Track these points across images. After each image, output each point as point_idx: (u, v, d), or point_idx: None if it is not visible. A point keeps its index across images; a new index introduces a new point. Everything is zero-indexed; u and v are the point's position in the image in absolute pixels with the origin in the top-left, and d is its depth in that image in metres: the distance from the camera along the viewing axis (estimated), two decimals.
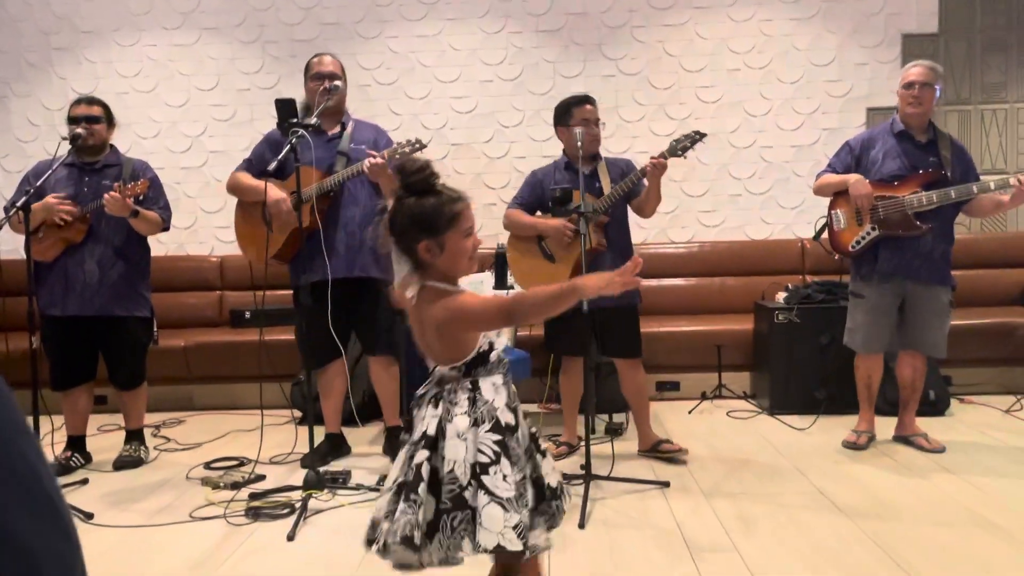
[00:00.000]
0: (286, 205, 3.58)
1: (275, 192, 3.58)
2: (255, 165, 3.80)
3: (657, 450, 3.69)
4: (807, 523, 2.88)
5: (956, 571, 2.46)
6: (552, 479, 1.94)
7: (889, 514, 2.94)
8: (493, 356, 1.89)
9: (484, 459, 1.79)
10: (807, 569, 2.51)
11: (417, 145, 3.51)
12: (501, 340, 1.93)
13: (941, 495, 3.13)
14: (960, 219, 5.52)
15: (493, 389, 1.87)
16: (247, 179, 3.77)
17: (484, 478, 1.76)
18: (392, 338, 3.85)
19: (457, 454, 1.79)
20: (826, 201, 3.87)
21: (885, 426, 3.93)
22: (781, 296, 4.71)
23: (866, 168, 3.73)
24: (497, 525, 1.74)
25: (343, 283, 3.65)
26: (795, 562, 2.55)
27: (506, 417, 1.84)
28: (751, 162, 5.62)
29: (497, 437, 1.81)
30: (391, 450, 3.84)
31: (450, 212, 1.86)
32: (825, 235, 3.85)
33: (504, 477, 1.78)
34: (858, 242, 3.72)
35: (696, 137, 3.45)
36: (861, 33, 5.54)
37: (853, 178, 3.68)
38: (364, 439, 4.22)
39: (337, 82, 3.71)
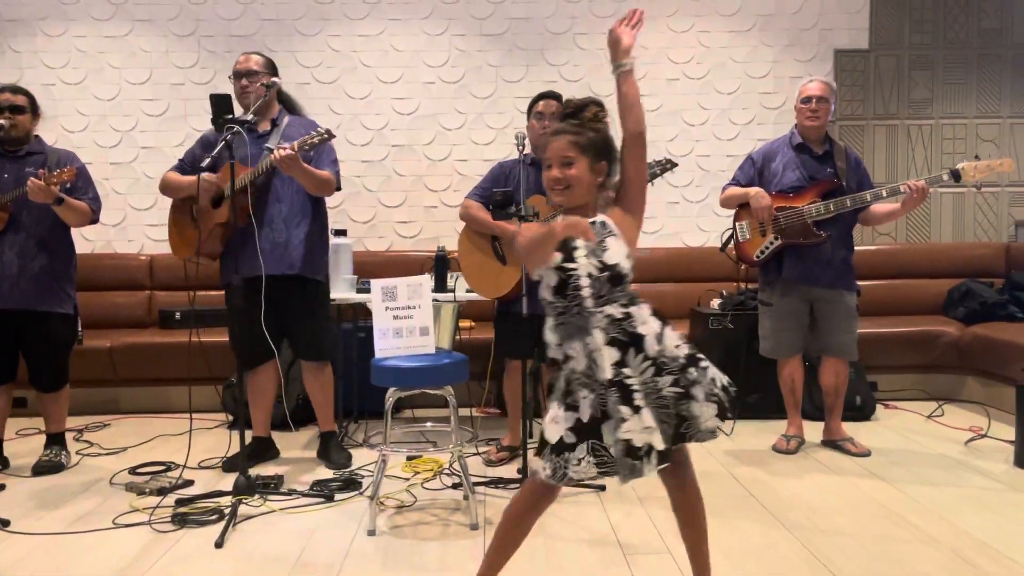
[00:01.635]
0: (214, 186, 3.51)
1: (205, 181, 3.48)
2: (187, 165, 3.74)
3: None
4: (737, 525, 2.93)
5: (879, 571, 2.53)
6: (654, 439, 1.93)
7: (816, 516, 3.01)
8: (544, 293, 2.06)
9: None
10: (736, 569, 2.55)
11: (326, 136, 3.45)
12: (548, 278, 2.01)
13: (866, 498, 3.22)
14: (886, 230, 5.74)
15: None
16: (178, 176, 3.72)
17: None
18: (324, 342, 3.79)
19: None
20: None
21: (814, 430, 4.03)
22: (716, 302, 4.79)
23: (768, 180, 3.86)
24: None
25: (272, 281, 3.55)
26: (725, 563, 2.59)
27: (554, 355, 2.08)
28: (688, 170, 5.70)
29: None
30: (326, 455, 3.78)
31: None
32: (731, 245, 3.96)
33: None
34: (762, 252, 3.83)
35: (667, 165, 3.46)
36: (796, 47, 5.68)
37: (753, 191, 3.80)
38: (298, 444, 4.14)
39: (276, 79, 3.65)
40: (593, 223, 1.98)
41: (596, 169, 2.03)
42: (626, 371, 1.93)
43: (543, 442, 1.99)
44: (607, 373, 1.92)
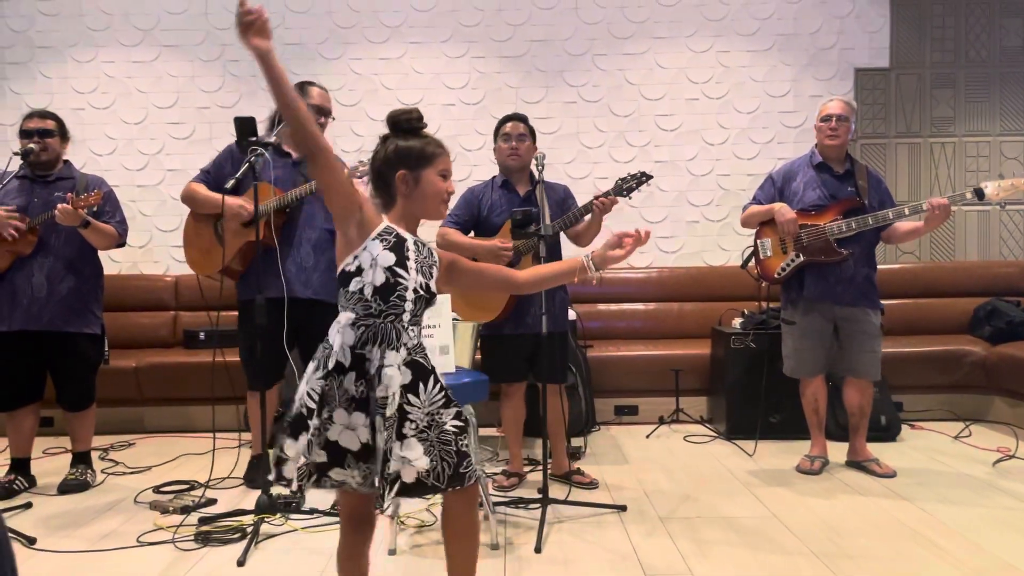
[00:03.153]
0: (246, 211, 3.56)
1: (234, 199, 3.57)
2: (212, 176, 3.77)
3: (569, 479, 3.68)
4: (760, 547, 2.90)
5: None
6: (405, 472, 1.81)
7: (841, 538, 2.97)
8: (353, 284, 1.89)
9: (310, 404, 1.86)
10: None
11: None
12: (375, 275, 1.88)
13: (891, 520, 3.17)
14: (910, 248, 5.70)
15: (337, 330, 1.90)
16: (204, 190, 3.74)
17: (310, 422, 1.85)
18: None
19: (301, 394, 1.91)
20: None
21: (838, 451, 3.98)
22: (737, 322, 4.77)
23: (788, 199, 3.86)
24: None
25: (292, 303, 3.60)
26: None
27: (340, 357, 1.86)
28: (709, 190, 5.71)
29: (322, 381, 1.86)
30: None
31: (430, 151, 1.99)
32: (752, 263, 3.94)
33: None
34: (783, 269, 3.81)
35: (642, 178, 3.48)
36: (815, 66, 5.68)
37: (777, 206, 3.80)
38: None
39: (323, 119, 3.74)
40: (424, 245, 1.99)
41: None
42: (411, 397, 1.85)
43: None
44: (387, 392, 1.83)
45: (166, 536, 3.06)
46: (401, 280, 1.89)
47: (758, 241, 3.92)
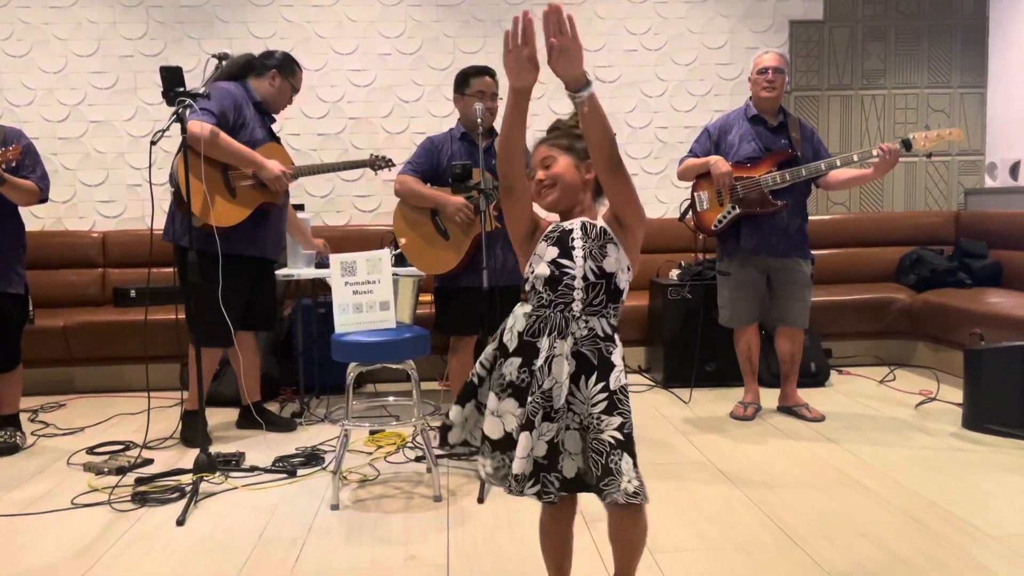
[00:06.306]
0: (281, 179, 3.66)
1: (275, 164, 3.64)
2: (219, 121, 3.52)
3: None
4: (695, 490, 2.99)
5: (832, 532, 2.61)
6: (565, 466, 1.86)
7: (772, 481, 3.08)
8: (528, 284, 1.91)
9: (480, 371, 1.94)
10: (696, 534, 2.61)
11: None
12: (541, 268, 1.87)
13: (820, 462, 3.30)
14: (840, 200, 5.83)
15: (515, 314, 1.92)
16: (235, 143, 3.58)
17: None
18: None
19: None
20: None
21: (770, 397, 4.11)
22: (675, 273, 4.84)
23: (724, 152, 3.92)
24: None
25: (256, 262, 3.76)
26: (685, 528, 2.65)
27: (507, 339, 1.89)
28: (647, 142, 5.73)
29: (493, 351, 1.92)
30: (271, 422, 3.92)
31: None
32: (690, 216, 4.01)
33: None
34: (720, 221, 3.88)
35: None
36: (751, 18, 5.71)
37: (712, 159, 3.86)
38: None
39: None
40: (593, 226, 1.89)
41: (582, 167, 1.99)
42: (574, 388, 1.82)
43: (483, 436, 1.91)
44: (554, 382, 1.80)
45: (102, 497, 3.01)
46: (567, 270, 1.84)
47: (695, 194, 3.97)
